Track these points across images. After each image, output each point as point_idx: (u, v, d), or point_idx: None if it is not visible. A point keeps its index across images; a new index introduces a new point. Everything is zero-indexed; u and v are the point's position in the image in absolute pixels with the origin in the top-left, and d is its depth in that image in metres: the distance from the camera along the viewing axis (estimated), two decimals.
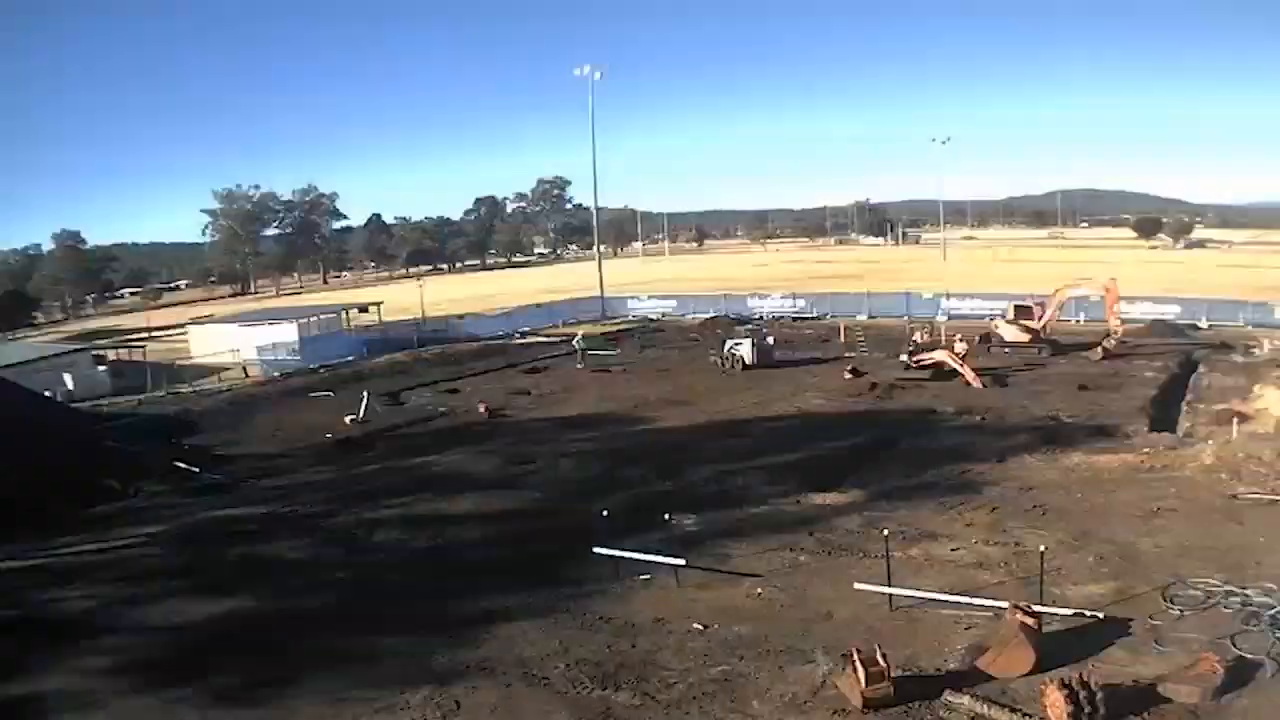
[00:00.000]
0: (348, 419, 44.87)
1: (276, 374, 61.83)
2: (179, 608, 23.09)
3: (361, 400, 47.02)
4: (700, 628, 20.06)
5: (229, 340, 69.05)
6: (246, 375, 62.18)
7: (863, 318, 71.76)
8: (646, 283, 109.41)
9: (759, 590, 21.98)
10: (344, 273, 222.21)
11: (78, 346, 71.95)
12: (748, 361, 53.02)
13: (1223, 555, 21.72)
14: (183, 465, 37.73)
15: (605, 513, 24.26)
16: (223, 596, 23.67)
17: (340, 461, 38.20)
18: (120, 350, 73.22)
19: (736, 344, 54.42)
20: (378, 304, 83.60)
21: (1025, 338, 52.26)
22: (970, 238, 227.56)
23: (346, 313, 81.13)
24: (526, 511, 29.55)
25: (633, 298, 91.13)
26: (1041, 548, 19.93)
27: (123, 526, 30.69)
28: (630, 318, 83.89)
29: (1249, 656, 16.85)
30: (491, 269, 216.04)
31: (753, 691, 17.29)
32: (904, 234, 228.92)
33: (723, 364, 53.74)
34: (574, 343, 62.70)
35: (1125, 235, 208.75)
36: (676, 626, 20.22)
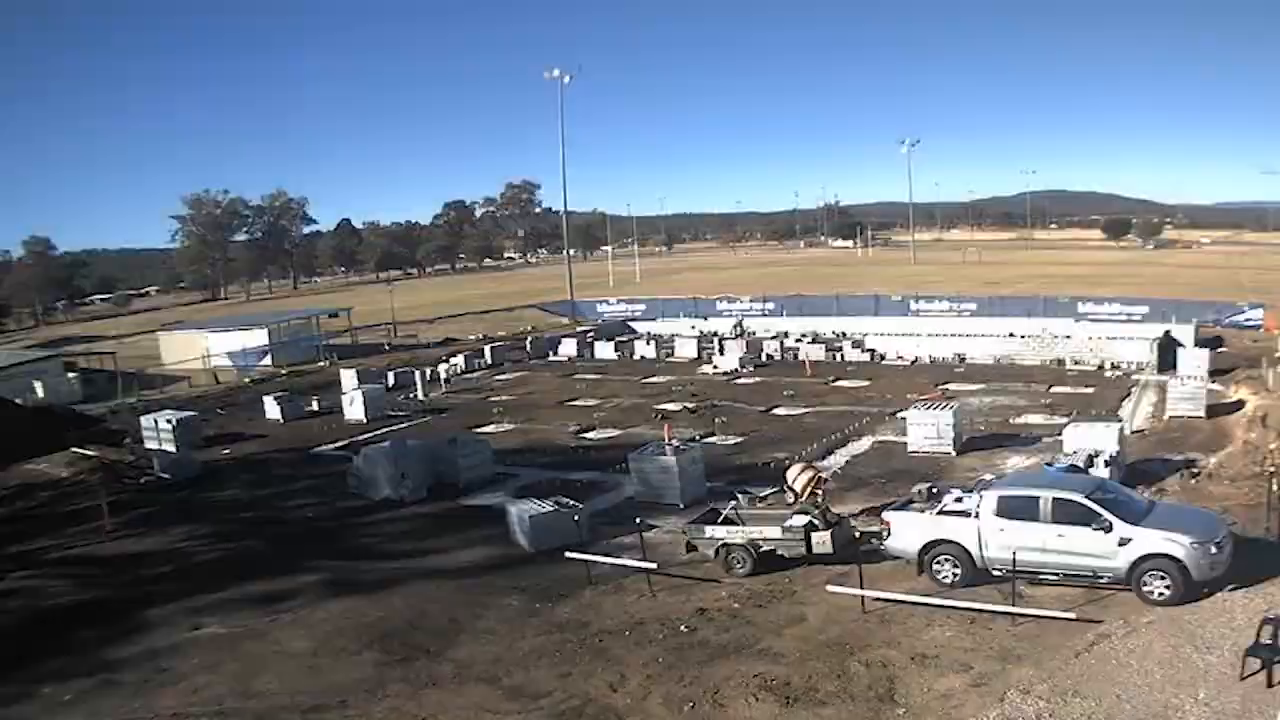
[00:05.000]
0: None
1: (247, 379, 61.73)
2: None
3: None
4: (686, 630, 20.18)
5: (199, 346, 68.92)
6: (217, 381, 62.01)
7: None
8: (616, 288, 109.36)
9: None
10: (315, 278, 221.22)
11: (48, 354, 71.46)
12: None
13: None
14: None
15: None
16: None
17: None
18: (91, 357, 72.80)
19: None
20: (347, 309, 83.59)
21: None
22: (939, 240, 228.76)
23: (317, 319, 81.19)
24: None
25: (602, 301, 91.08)
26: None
27: None
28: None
29: None
30: (462, 273, 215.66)
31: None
32: (872, 237, 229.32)
33: None
34: None
35: (1094, 236, 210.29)
36: (651, 630, 20.34)
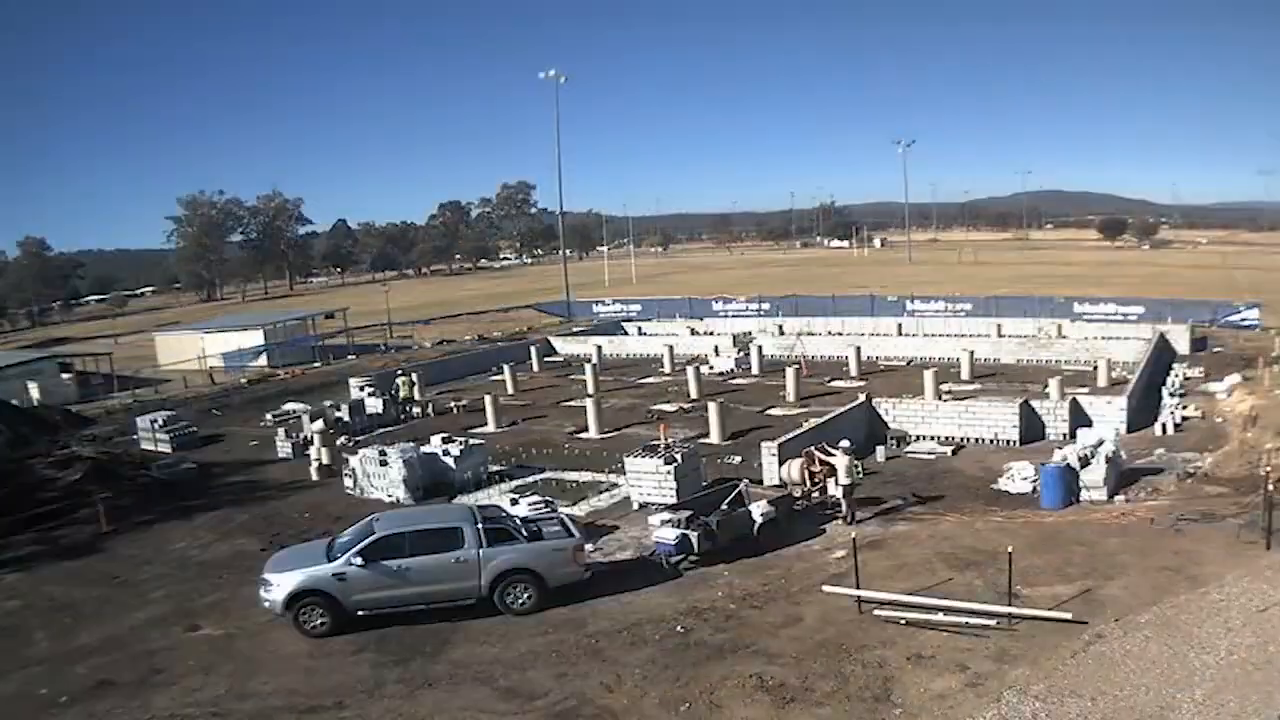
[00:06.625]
0: None
1: (243, 380, 61.65)
2: None
3: None
4: (682, 630, 20.20)
5: (195, 347, 68.91)
6: (213, 382, 61.95)
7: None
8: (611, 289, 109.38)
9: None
10: (310, 279, 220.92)
11: (43, 354, 71.39)
12: None
13: None
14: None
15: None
16: None
17: None
18: (86, 358, 72.70)
19: None
20: (344, 309, 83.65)
21: None
22: (935, 240, 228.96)
23: (313, 319, 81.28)
24: None
25: (598, 302, 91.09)
26: (1009, 548, 20.03)
27: None
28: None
29: None
30: (458, 273, 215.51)
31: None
32: (868, 237, 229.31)
33: None
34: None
35: (1090, 236, 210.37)
36: (646, 630, 20.37)
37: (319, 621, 21.47)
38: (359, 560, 21.65)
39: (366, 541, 22.06)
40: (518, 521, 23.46)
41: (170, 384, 62.12)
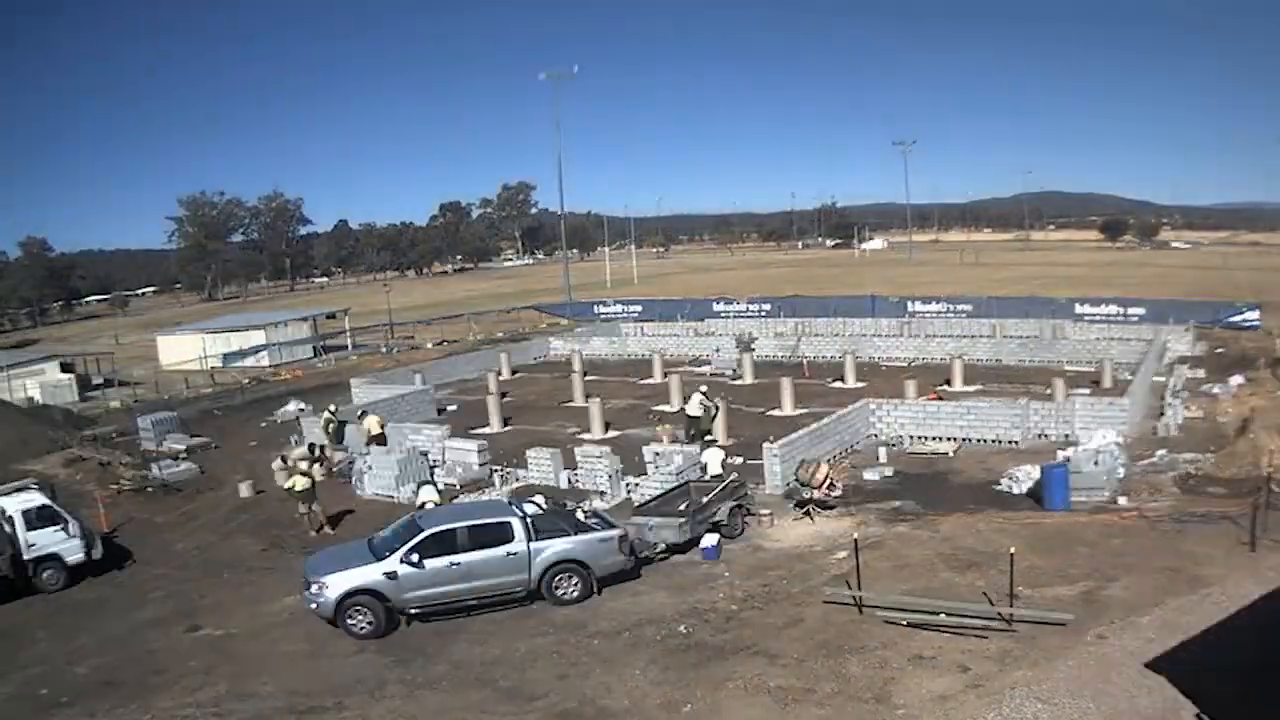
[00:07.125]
0: None
1: (245, 380, 61.69)
2: None
3: None
4: (683, 631, 20.17)
5: (197, 348, 68.97)
6: (215, 382, 61.97)
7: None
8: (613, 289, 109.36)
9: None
10: (312, 279, 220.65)
11: (44, 354, 71.36)
12: None
13: None
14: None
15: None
16: None
17: None
18: (88, 358, 72.72)
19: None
20: (345, 310, 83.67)
21: None
22: (936, 241, 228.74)
23: (314, 320, 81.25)
24: None
25: (599, 302, 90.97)
26: (1011, 549, 19.98)
27: None
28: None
29: None
30: (459, 274, 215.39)
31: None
32: (866, 236, 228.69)
33: None
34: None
35: (1092, 237, 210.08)
36: (648, 631, 20.35)
37: (367, 622, 21.25)
38: (414, 557, 21.57)
39: (420, 538, 21.93)
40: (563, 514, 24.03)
41: (169, 384, 62.08)
